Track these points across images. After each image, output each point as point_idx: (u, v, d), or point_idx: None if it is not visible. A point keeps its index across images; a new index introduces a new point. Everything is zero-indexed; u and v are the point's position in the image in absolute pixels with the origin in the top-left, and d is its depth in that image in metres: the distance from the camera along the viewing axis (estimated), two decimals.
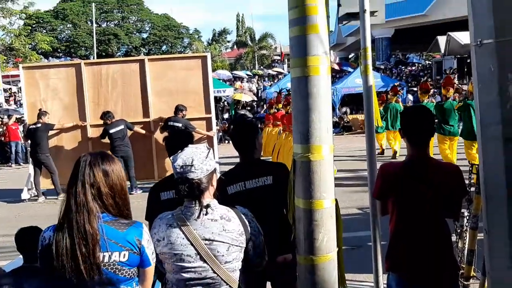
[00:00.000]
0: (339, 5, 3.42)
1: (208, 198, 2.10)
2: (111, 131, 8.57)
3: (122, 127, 8.64)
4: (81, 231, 1.84)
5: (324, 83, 2.14)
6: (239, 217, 2.13)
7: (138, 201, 6.71)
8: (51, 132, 8.82)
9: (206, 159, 2.06)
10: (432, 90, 10.17)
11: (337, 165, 9.02)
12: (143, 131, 8.86)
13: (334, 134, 18.30)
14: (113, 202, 1.95)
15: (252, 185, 2.85)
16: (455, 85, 9.94)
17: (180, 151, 2.10)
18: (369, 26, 3.23)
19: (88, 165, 1.93)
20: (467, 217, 3.52)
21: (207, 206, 2.05)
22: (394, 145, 12.11)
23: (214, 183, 2.15)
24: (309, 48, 2.10)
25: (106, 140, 8.70)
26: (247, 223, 2.14)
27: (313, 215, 2.13)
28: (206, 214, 2.05)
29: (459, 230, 3.61)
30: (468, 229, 3.49)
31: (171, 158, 2.13)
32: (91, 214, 1.87)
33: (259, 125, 16.84)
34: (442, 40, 24.67)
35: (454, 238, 3.34)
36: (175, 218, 2.08)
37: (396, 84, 14.98)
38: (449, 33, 22.90)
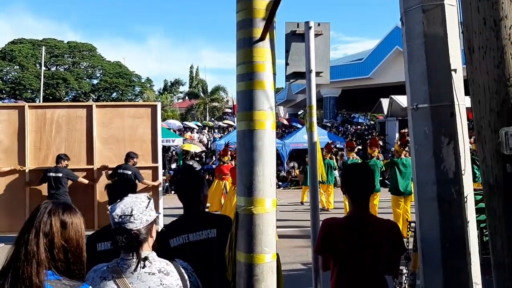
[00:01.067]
0: (287, 64, 3.56)
1: (147, 250, 2.03)
2: (51, 174, 8.23)
3: (60, 175, 8.31)
4: (26, 284, 1.68)
5: (269, 137, 2.18)
6: (178, 271, 2.06)
7: None
8: None
9: (146, 210, 2.01)
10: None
11: (282, 219, 9.04)
12: (86, 181, 8.55)
13: (282, 188, 18.47)
14: (63, 258, 1.79)
15: (195, 238, 2.77)
16: (379, 145, 10.95)
17: (119, 200, 2.04)
18: (315, 85, 3.37)
19: (47, 212, 1.80)
20: (406, 274, 3.59)
21: (145, 258, 1.98)
22: (323, 199, 12.87)
23: (154, 234, 2.09)
24: (255, 103, 2.16)
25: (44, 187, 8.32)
26: (186, 277, 2.07)
27: (253, 269, 2.10)
28: (143, 267, 1.97)
29: (397, 287, 3.66)
30: (406, 286, 3.55)
31: (109, 207, 2.06)
32: (40, 266, 1.71)
33: (207, 177, 16.75)
34: (385, 102, 25.97)
35: None
36: (110, 271, 1.99)
37: (329, 142, 15.73)
38: (392, 96, 24.19)
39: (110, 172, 8.49)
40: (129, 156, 8.38)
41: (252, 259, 2.09)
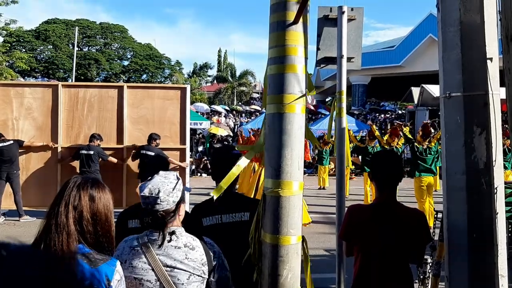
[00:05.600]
0: (318, 49, 3.54)
1: (174, 226, 2.09)
2: (83, 152, 8.46)
3: (92, 152, 8.52)
4: (57, 254, 1.75)
5: (298, 121, 2.20)
6: (203, 247, 2.12)
7: None
8: (19, 150, 8.64)
9: (173, 191, 2.05)
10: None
11: (307, 205, 9.05)
12: (115, 160, 8.74)
13: (307, 174, 18.44)
14: (92, 230, 1.85)
15: (228, 219, 2.77)
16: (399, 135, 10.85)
17: (150, 178, 2.10)
18: (346, 71, 3.35)
19: (76, 186, 1.87)
20: (430, 264, 3.57)
21: (172, 233, 2.05)
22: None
23: (182, 212, 2.15)
24: (286, 86, 2.17)
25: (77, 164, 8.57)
26: (211, 254, 2.12)
27: (279, 250, 2.14)
28: (170, 241, 2.05)
29: (421, 276, 3.65)
30: (430, 275, 3.53)
31: (139, 185, 2.12)
32: (70, 237, 1.79)
33: None
34: (416, 91, 25.45)
35: (416, 284, 3.37)
36: (140, 242, 2.07)
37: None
38: (423, 85, 23.70)
39: (133, 152, 8.64)
40: (152, 137, 8.50)
41: (278, 240, 2.13)
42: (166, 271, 2.01)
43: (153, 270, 2.01)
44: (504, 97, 2.38)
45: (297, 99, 2.14)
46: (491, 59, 2.56)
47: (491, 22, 2.60)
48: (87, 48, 48.27)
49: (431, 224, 8.49)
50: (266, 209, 2.19)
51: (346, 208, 3.04)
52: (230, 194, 2.89)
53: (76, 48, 37.19)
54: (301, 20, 2.17)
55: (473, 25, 2.51)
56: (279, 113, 2.16)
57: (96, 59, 45.39)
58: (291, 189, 2.14)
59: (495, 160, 2.54)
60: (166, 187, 2.04)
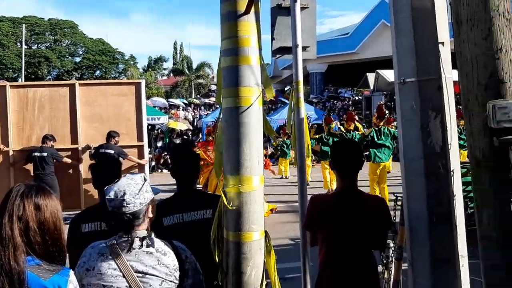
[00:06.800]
0: (272, 38, 3.49)
1: (144, 230, 2.02)
2: (36, 154, 8.13)
3: (45, 154, 8.20)
4: (5, 269, 1.63)
5: (255, 114, 2.15)
6: (175, 252, 2.06)
7: None
8: None
9: (139, 193, 1.99)
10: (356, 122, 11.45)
11: (270, 194, 9.10)
12: (70, 161, 8.45)
13: (271, 164, 18.59)
14: (40, 241, 1.74)
15: (190, 218, 2.66)
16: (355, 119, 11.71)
17: (116, 181, 2.02)
18: (301, 60, 3.32)
19: (19, 195, 1.75)
20: (392, 248, 3.62)
21: (143, 238, 1.99)
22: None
23: (151, 214, 2.09)
24: (241, 78, 2.11)
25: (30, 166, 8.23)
26: (183, 259, 2.07)
27: (241, 248, 2.09)
28: (141, 247, 1.98)
29: (385, 261, 3.70)
30: (393, 259, 3.59)
31: (105, 188, 2.04)
32: (17, 250, 1.67)
33: None
34: (371, 77, 25.96)
35: (380, 269, 3.42)
36: (108, 248, 1.99)
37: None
38: (378, 70, 24.19)
39: (92, 151, 8.40)
40: (110, 135, 8.31)
41: (240, 237, 2.08)
42: (137, 277, 1.94)
43: (124, 276, 1.93)
44: (456, 79, 2.41)
45: (257, 97, 2.09)
46: (442, 43, 2.59)
47: (441, 7, 2.63)
48: (36, 45, 46.48)
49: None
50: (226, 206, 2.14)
51: (308, 197, 3.04)
52: (190, 191, 2.81)
53: (24, 46, 35.72)
54: (253, 9, 2.11)
55: (424, 10, 2.52)
56: (236, 107, 2.10)
57: (46, 57, 43.80)
58: (252, 185, 2.09)
59: (450, 143, 2.58)
60: (132, 189, 1.98)
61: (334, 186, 11.94)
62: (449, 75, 2.58)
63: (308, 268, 3.31)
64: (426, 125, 2.54)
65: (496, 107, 2.13)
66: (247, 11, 2.10)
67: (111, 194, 1.97)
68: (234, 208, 2.10)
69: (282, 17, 3.42)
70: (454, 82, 2.62)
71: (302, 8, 3.37)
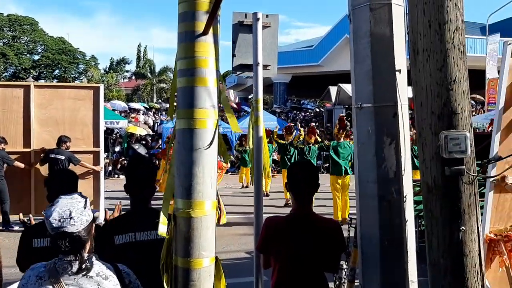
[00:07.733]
0: (233, 55, 3.46)
1: (86, 251, 1.94)
2: None
3: None
4: None
5: (210, 137, 2.10)
6: (118, 275, 1.98)
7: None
8: None
9: (84, 210, 1.92)
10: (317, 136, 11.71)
11: (229, 205, 9.02)
12: (22, 165, 8.12)
13: (230, 173, 18.50)
14: None
15: (143, 238, 2.55)
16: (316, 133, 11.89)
17: (52, 203, 1.92)
18: (262, 78, 3.31)
19: None
20: (346, 270, 3.64)
21: (83, 261, 1.89)
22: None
23: (93, 233, 2.00)
24: (196, 100, 2.06)
25: None
26: (126, 283, 1.99)
27: (190, 274, 2.03)
28: (79, 270, 1.88)
29: (337, 282, 3.72)
30: (346, 281, 3.60)
31: (43, 212, 1.94)
32: None
33: (154, 161, 16.43)
34: (333, 90, 26.40)
35: None
36: (48, 271, 1.88)
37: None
38: (340, 84, 24.62)
39: (42, 156, 8.12)
40: (61, 140, 8.06)
41: (189, 264, 2.02)
42: None
43: None
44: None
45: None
46: (399, 70, 2.62)
47: (399, 34, 2.67)
48: None
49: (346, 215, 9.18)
50: (177, 231, 2.07)
51: (265, 208, 3.01)
52: (145, 209, 2.68)
53: None
54: (211, 30, 2.07)
55: (383, 37, 2.55)
56: (190, 129, 2.04)
57: (3, 53, 42.15)
58: (203, 209, 2.03)
59: (404, 169, 2.61)
60: (76, 207, 1.90)
61: None
62: (405, 103, 2.62)
63: (261, 284, 3.29)
64: (381, 151, 2.57)
65: (448, 137, 2.17)
66: (205, 32, 2.05)
67: (56, 216, 1.87)
68: (184, 233, 2.04)
69: (243, 34, 3.40)
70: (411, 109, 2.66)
71: (264, 27, 3.36)
